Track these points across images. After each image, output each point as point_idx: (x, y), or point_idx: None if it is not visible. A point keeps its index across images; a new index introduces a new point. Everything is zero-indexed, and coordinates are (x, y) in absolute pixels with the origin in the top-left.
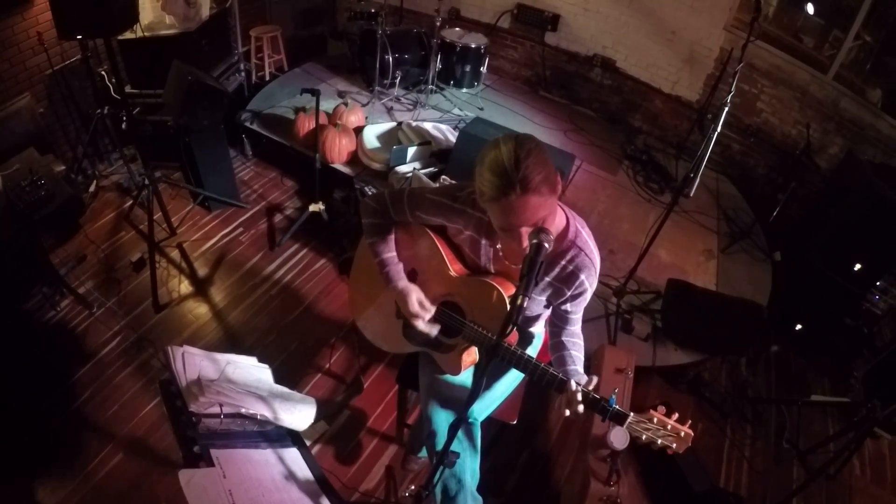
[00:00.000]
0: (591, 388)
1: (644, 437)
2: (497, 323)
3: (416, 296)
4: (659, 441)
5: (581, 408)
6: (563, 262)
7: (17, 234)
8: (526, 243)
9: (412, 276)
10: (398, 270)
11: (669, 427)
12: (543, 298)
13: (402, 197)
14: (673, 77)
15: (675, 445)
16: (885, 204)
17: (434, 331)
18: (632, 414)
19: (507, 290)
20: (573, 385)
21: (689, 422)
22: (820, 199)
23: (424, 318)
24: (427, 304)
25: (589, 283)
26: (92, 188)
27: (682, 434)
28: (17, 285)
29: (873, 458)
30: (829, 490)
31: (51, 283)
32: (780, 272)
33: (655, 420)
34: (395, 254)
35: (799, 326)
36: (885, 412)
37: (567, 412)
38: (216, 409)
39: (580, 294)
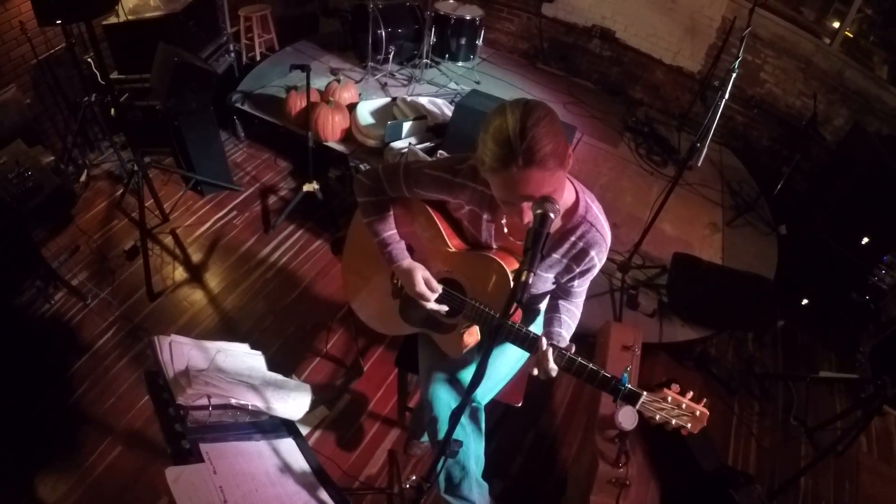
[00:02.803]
0: (572, 351)
1: (658, 417)
2: (500, 300)
3: (421, 274)
4: (674, 421)
5: (553, 368)
6: (573, 239)
7: (7, 228)
8: (528, 218)
9: (409, 253)
10: (401, 249)
11: (684, 406)
12: (552, 276)
13: (399, 172)
14: (674, 47)
15: (689, 425)
16: (893, 176)
17: (443, 310)
18: (645, 393)
19: (511, 266)
20: (543, 343)
21: (705, 400)
22: (825, 172)
23: (431, 299)
24: (434, 283)
25: (599, 259)
26: (83, 178)
27: (698, 413)
28: (9, 280)
29: (880, 436)
30: (836, 467)
31: (44, 276)
32: (786, 246)
33: (670, 399)
34: (395, 231)
35: (805, 301)
36: (894, 389)
37: (535, 371)
38: (204, 401)
39: (588, 270)
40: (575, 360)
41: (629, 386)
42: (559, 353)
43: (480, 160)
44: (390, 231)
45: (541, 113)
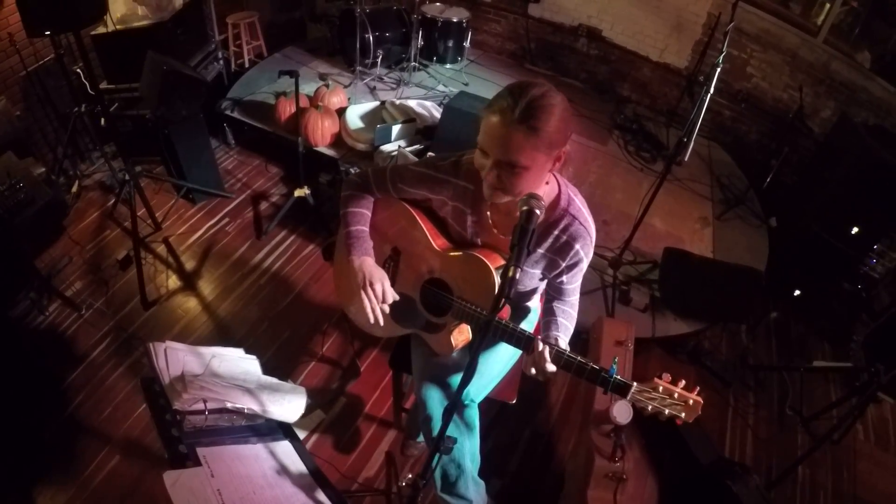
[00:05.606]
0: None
1: (650, 407)
2: (486, 298)
3: (379, 276)
4: (666, 411)
5: (551, 367)
6: (556, 232)
7: (0, 240)
8: (491, 179)
9: (395, 255)
10: (367, 247)
11: (676, 395)
12: (538, 272)
13: (385, 172)
14: (660, 44)
15: (683, 415)
16: (880, 165)
17: (382, 312)
18: (635, 384)
19: (495, 263)
20: (539, 343)
21: (698, 388)
22: (814, 164)
23: (373, 303)
24: (390, 293)
25: (584, 252)
26: (74, 189)
27: (691, 402)
28: (3, 292)
29: (876, 422)
30: (833, 455)
31: (37, 287)
32: (777, 238)
33: (661, 389)
34: (366, 228)
35: (797, 292)
36: (888, 376)
37: (533, 371)
38: (200, 406)
39: (575, 264)
40: (563, 354)
41: (618, 377)
42: (556, 353)
43: (489, 103)
44: (361, 226)
45: (557, 99)
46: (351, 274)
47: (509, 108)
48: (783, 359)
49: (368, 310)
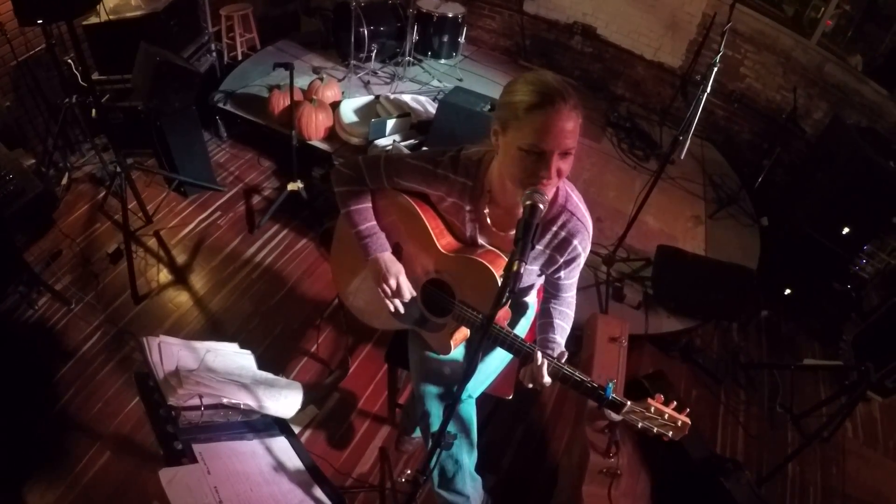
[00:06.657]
0: (562, 361)
1: (640, 425)
2: (489, 304)
3: (397, 270)
4: (655, 429)
5: (548, 380)
6: (555, 229)
7: None
8: (553, 174)
9: (397, 252)
10: (381, 240)
11: (667, 416)
12: (536, 268)
13: (379, 163)
14: (655, 43)
15: (671, 434)
16: (872, 167)
17: (400, 309)
18: (629, 403)
19: (498, 269)
20: (539, 356)
21: (688, 410)
22: (806, 164)
23: (390, 297)
24: (406, 288)
25: (582, 247)
26: (64, 181)
27: (680, 423)
28: None
29: (865, 420)
30: (823, 453)
31: (27, 281)
32: (768, 237)
33: (653, 409)
34: (374, 223)
35: (788, 291)
36: (877, 375)
37: (531, 385)
38: (196, 401)
39: (573, 259)
40: (562, 369)
41: (613, 396)
42: (554, 367)
43: (512, 103)
44: (369, 222)
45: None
46: (377, 272)
47: (561, 97)
48: (774, 357)
49: (388, 303)
